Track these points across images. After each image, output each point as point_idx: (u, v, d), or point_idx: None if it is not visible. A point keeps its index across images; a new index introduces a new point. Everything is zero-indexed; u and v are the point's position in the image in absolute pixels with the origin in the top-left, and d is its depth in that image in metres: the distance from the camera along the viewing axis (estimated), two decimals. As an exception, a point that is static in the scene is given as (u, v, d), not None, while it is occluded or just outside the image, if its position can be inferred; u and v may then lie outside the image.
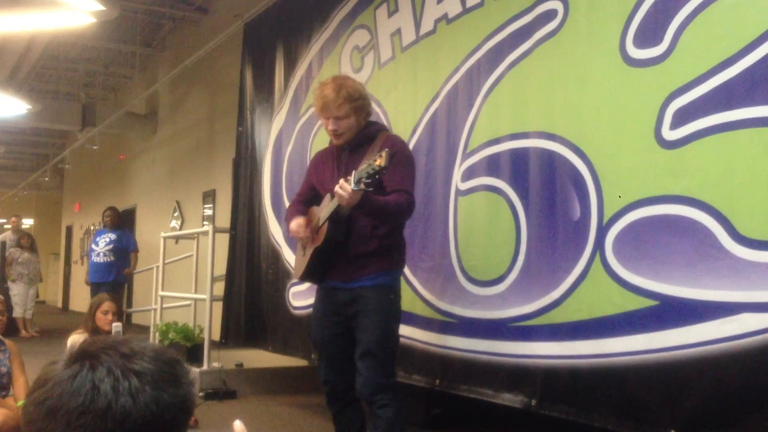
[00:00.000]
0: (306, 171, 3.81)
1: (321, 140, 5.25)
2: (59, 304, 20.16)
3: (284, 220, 4.08)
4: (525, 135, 3.58)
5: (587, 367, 3.17)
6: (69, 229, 19.62)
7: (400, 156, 3.25)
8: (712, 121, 2.71)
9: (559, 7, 3.42)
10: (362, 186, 2.94)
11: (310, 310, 5.22)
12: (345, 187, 2.99)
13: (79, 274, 15.50)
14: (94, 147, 13.10)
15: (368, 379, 3.29)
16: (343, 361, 3.42)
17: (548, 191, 3.42)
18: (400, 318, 3.46)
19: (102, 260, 9.08)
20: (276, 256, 5.73)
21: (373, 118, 3.55)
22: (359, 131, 3.41)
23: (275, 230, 5.78)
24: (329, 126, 3.39)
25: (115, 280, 9.06)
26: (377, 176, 2.93)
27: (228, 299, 6.34)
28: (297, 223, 3.46)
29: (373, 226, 3.31)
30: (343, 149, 3.45)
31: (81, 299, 11.23)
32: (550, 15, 3.47)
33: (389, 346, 3.34)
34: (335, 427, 3.58)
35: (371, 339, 3.29)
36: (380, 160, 2.88)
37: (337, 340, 3.44)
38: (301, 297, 5.37)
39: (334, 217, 3.28)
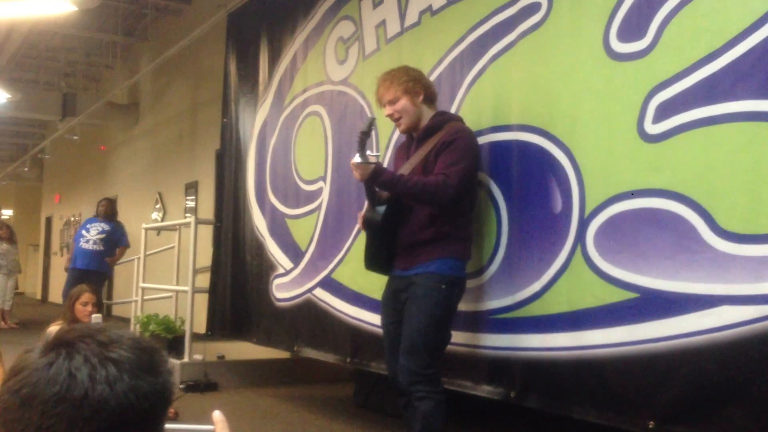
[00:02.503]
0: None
1: (305, 132, 5.24)
2: (38, 296, 20.01)
3: None
4: (507, 128, 3.58)
5: (567, 359, 3.19)
6: (49, 221, 19.46)
7: (456, 143, 3.31)
8: (694, 115, 2.72)
9: (543, 0, 3.42)
10: (371, 159, 3.14)
11: (293, 302, 5.25)
12: (353, 161, 3.17)
13: (59, 265, 15.38)
14: (75, 137, 12.98)
15: (404, 368, 3.27)
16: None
17: (530, 184, 3.42)
18: (453, 310, 3.38)
19: (91, 248, 8.96)
20: (260, 248, 5.71)
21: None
22: (422, 120, 3.46)
23: (259, 222, 5.76)
24: (386, 112, 3.52)
25: (99, 269, 8.97)
26: (365, 137, 3.10)
27: (213, 291, 6.32)
28: (359, 214, 3.56)
29: (431, 215, 3.33)
30: (414, 140, 3.51)
31: (60, 291, 11.14)
32: (533, 8, 3.47)
33: (432, 336, 3.28)
34: (404, 421, 3.43)
35: (414, 327, 3.28)
36: (365, 127, 3.10)
37: (396, 329, 3.42)
38: (284, 289, 5.36)
39: (370, 197, 3.37)
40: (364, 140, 3.16)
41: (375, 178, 3.25)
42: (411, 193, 3.30)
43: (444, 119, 3.48)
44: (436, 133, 3.41)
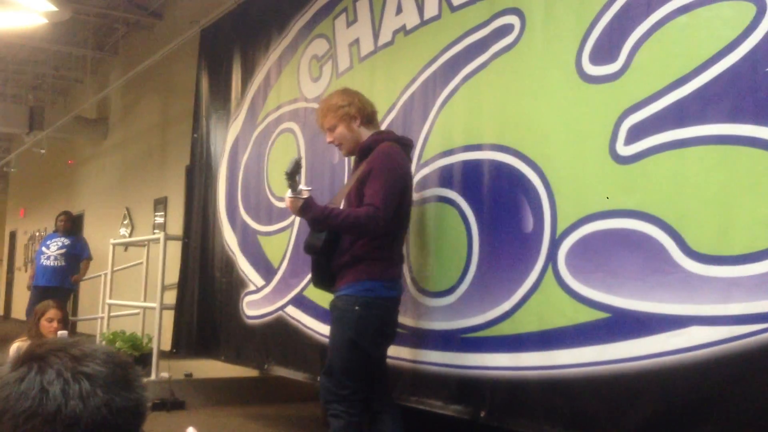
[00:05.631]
0: None
1: (278, 148, 5.23)
2: (0, 312, 19.63)
3: None
4: (479, 147, 3.61)
5: (537, 379, 3.19)
6: (13, 235, 19.15)
7: (377, 170, 3.36)
8: (664, 138, 2.76)
9: (516, 22, 3.46)
10: (304, 192, 3.27)
11: (264, 319, 5.20)
12: (287, 195, 3.30)
13: (22, 281, 15.12)
14: (42, 151, 12.81)
15: (322, 386, 3.41)
16: None
17: (501, 203, 3.44)
18: (371, 331, 3.38)
19: (52, 264, 8.82)
20: (230, 265, 5.66)
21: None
22: (359, 141, 3.54)
23: (230, 238, 5.72)
24: (327, 139, 3.64)
25: (61, 285, 8.82)
26: (289, 180, 3.22)
27: (180, 308, 6.24)
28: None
29: (350, 240, 3.42)
30: (357, 160, 3.59)
31: (23, 307, 10.95)
32: (506, 29, 3.51)
33: (347, 358, 3.35)
34: None
35: (331, 348, 3.43)
36: (288, 167, 3.20)
37: None
38: (255, 306, 5.32)
39: (311, 225, 3.46)
40: (290, 179, 3.23)
41: (304, 213, 3.31)
42: (341, 227, 3.36)
43: (376, 140, 3.52)
44: (369, 155, 3.47)
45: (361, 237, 3.39)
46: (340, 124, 3.53)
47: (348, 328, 3.35)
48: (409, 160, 3.65)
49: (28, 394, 0.93)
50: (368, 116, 3.59)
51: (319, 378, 4.52)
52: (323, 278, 3.57)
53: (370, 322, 3.37)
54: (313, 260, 3.56)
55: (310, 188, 3.41)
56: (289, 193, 3.30)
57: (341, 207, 3.47)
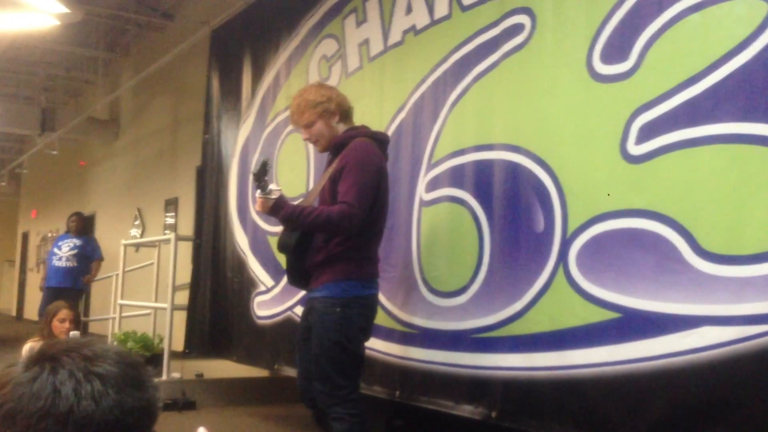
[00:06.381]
0: None
1: (288, 148, 5.24)
2: (13, 312, 19.72)
3: None
4: (490, 147, 3.60)
5: (548, 379, 3.18)
6: (25, 236, 19.23)
7: (351, 165, 3.28)
8: (676, 137, 2.75)
9: (527, 22, 3.45)
10: (273, 192, 3.26)
11: (274, 320, 5.21)
12: (257, 194, 3.26)
13: (35, 281, 15.20)
14: (54, 152, 12.86)
15: (319, 392, 3.32)
16: (308, 367, 3.42)
17: (512, 203, 3.44)
18: (355, 330, 3.34)
19: (64, 265, 8.85)
20: (241, 265, 5.68)
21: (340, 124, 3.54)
22: (335, 136, 3.46)
23: (241, 239, 5.73)
24: (303, 136, 3.54)
25: (73, 286, 8.85)
26: (257, 181, 3.22)
27: (192, 309, 6.26)
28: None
29: (324, 238, 3.35)
30: (331, 156, 3.53)
31: (36, 307, 11.00)
32: (517, 29, 3.50)
33: (338, 359, 3.29)
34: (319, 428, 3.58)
35: (318, 352, 3.32)
36: (254, 167, 3.17)
37: (304, 346, 3.47)
38: (265, 307, 5.33)
39: (283, 224, 3.41)
40: (258, 180, 3.21)
41: (275, 212, 3.28)
42: (313, 226, 3.30)
43: (350, 135, 3.44)
44: (342, 151, 3.39)
45: (335, 235, 3.31)
46: (318, 121, 3.43)
47: (332, 331, 3.28)
48: (385, 157, 3.53)
49: (41, 394, 0.93)
50: (346, 112, 3.51)
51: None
52: (297, 277, 3.52)
53: (353, 322, 3.32)
54: (288, 259, 3.49)
55: (279, 188, 3.38)
56: (258, 193, 3.26)
57: (315, 205, 3.40)
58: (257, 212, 3.36)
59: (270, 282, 5.29)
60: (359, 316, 3.35)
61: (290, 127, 5.21)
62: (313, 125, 3.45)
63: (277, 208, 3.27)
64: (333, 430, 3.27)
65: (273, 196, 3.27)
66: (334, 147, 3.46)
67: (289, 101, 5.25)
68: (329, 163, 3.50)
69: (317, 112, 3.42)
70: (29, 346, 4.18)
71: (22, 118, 12.98)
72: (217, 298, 5.96)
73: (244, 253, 5.66)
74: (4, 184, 18.48)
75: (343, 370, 3.31)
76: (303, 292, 4.83)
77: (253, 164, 3.15)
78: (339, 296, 3.29)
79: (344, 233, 3.28)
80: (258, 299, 5.42)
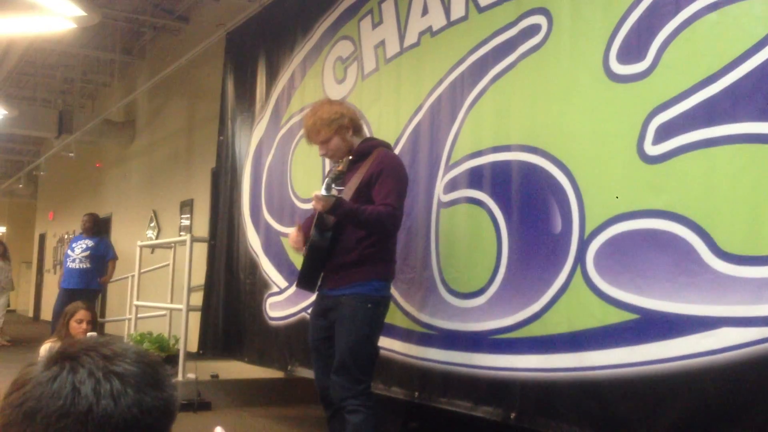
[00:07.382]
0: None
1: (302, 150, 5.24)
2: (30, 314, 19.87)
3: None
4: (507, 148, 3.59)
5: (567, 381, 3.17)
6: (42, 237, 19.37)
7: (388, 171, 3.48)
8: (694, 137, 2.73)
9: (543, 22, 3.44)
10: (333, 192, 3.36)
11: (287, 321, 5.22)
12: (317, 194, 3.34)
13: (52, 283, 15.31)
14: (71, 154, 12.94)
15: (337, 384, 3.44)
16: (330, 366, 3.52)
17: (530, 204, 3.43)
18: (380, 328, 3.53)
19: (77, 266, 8.90)
20: (254, 267, 5.69)
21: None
22: (352, 148, 3.61)
23: (253, 240, 5.74)
24: (320, 152, 3.71)
25: (87, 288, 8.89)
26: (338, 179, 3.38)
27: (206, 310, 6.28)
28: (291, 233, 3.75)
29: (357, 239, 3.49)
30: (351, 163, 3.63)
31: (53, 308, 11.09)
32: (534, 29, 3.49)
33: (362, 354, 3.44)
34: (329, 430, 3.66)
35: (343, 346, 3.44)
36: (341, 166, 3.37)
37: (324, 344, 3.59)
38: (278, 308, 5.33)
39: (319, 225, 3.52)
40: (330, 184, 3.36)
41: (335, 210, 3.38)
42: (366, 222, 3.43)
43: (371, 145, 3.65)
44: (366, 159, 3.55)
45: (381, 234, 3.48)
46: (334, 137, 3.59)
47: (363, 325, 3.44)
48: None
49: (60, 393, 0.93)
50: (357, 126, 3.68)
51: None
52: (309, 279, 3.63)
53: (380, 320, 3.53)
54: (308, 261, 3.60)
55: (341, 188, 3.52)
56: (323, 194, 3.35)
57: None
58: (313, 207, 3.49)
59: (283, 283, 5.30)
60: (383, 316, 3.55)
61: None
62: (330, 141, 3.60)
63: (337, 206, 3.37)
64: (349, 422, 3.37)
65: (334, 194, 3.40)
66: (356, 154, 3.59)
67: (304, 103, 5.28)
68: (352, 170, 3.56)
69: (333, 128, 3.57)
70: (48, 347, 4.20)
71: (39, 120, 13.06)
72: (230, 299, 5.98)
73: (256, 255, 5.67)
74: (21, 186, 18.62)
75: (365, 365, 3.46)
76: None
77: (327, 170, 3.37)
78: (371, 294, 3.47)
79: (389, 232, 3.51)
80: (271, 300, 5.42)
